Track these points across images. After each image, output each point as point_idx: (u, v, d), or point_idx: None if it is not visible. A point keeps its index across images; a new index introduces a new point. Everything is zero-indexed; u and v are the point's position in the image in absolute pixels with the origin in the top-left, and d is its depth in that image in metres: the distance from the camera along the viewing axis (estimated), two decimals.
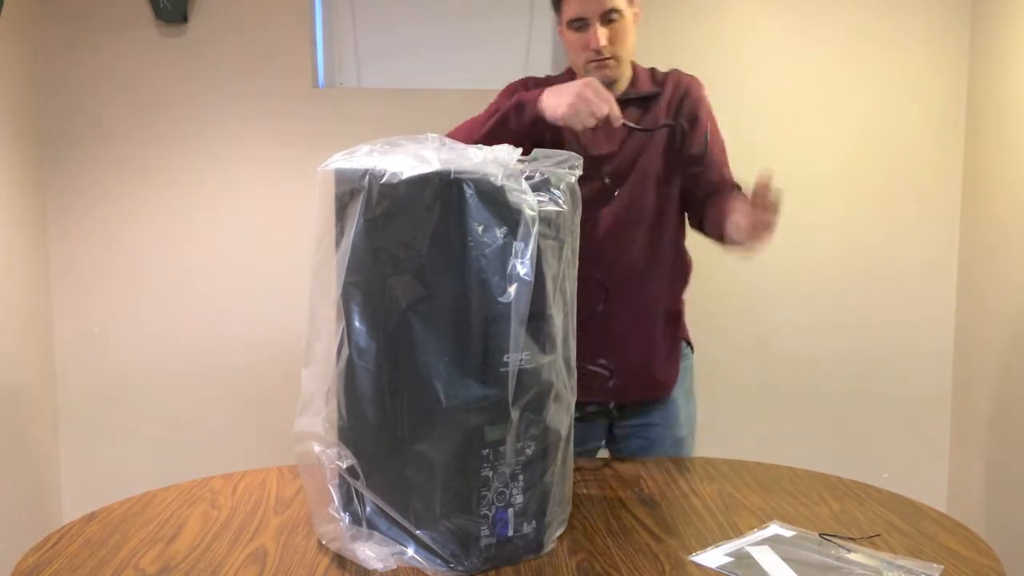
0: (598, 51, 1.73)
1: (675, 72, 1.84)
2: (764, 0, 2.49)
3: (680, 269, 1.88)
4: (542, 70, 2.34)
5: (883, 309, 2.59)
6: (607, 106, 1.60)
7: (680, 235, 1.86)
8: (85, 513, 1.46)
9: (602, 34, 1.72)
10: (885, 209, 2.57)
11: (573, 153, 1.34)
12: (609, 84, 1.75)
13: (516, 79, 1.88)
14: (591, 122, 1.60)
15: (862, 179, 2.55)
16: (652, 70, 1.85)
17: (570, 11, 1.73)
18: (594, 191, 1.73)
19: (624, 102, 1.75)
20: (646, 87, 1.80)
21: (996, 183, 2.40)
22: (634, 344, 1.81)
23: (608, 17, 1.72)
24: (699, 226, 1.85)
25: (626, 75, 1.80)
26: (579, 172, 1.34)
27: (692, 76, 1.85)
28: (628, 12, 1.74)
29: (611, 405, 1.84)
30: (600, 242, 1.73)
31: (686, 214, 1.86)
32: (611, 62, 1.75)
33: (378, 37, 2.55)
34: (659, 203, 1.80)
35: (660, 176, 1.79)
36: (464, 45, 2.56)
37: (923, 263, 2.58)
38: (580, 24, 1.73)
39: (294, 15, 2.45)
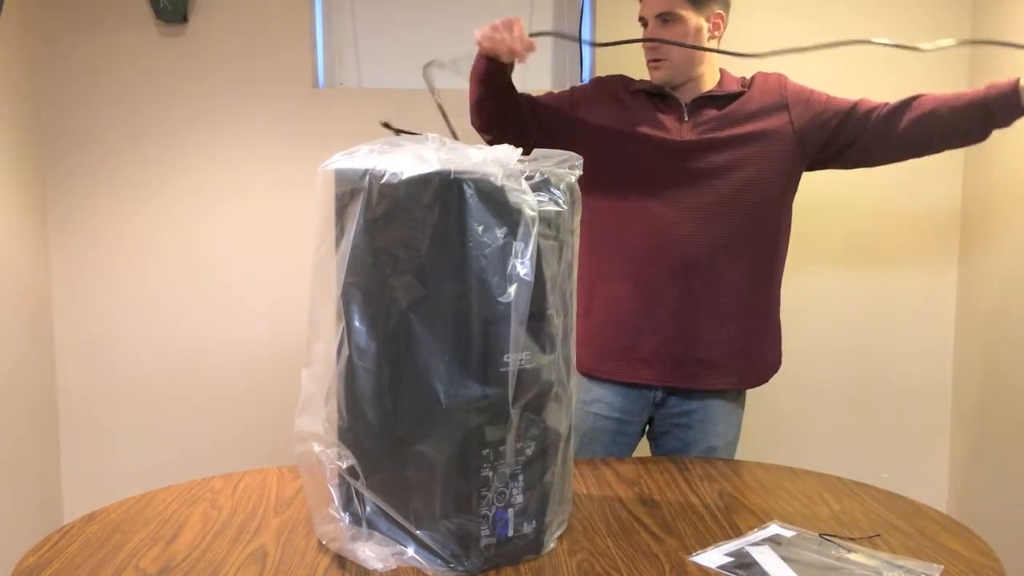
0: (651, 50, 1.85)
1: (759, 73, 1.93)
2: (763, 0, 2.49)
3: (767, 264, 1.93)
4: (541, 70, 2.35)
5: (883, 309, 2.59)
6: (517, 43, 1.69)
7: (764, 228, 1.89)
8: (85, 513, 1.46)
9: (652, 34, 1.84)
10: (884, 209, 2.57)
11: (573, 153, 1.35)
12: (674, 87, 1.87)
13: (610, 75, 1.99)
14: (508, 54, 1.71)
15: (861, 178, 2.54)
16: (743, 78, 1.93)
17: (639, 11, 1.87)
18: (669, 173, 1.83)
19: (703, 100, 1.86)
20: (732, 88, 1.88)
21: (996, 183, 2.40)
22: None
23: (663, 19, 1.83)
24: (903, 149, 1.85)
25: (707, 78, 1.89)
26: (579, 172, 1.34)
27: (776, 73, 1.94)
28: (692, 19, 1.83)
29: (656, 395, 1.89)
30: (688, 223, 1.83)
31: (875, 154, 1.88)
32: (664, 63, 1.84)
33: (378, 37, 2.55)
34: (757, 194, 1.85)
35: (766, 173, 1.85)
36: (464, 45, 2.55)
37: (923, 263, 2.58)
38: (643, 24, 1.87)
39: (294, 15, 2.45)
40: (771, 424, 2.59)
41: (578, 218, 1.36)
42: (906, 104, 1.81)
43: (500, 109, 1.84)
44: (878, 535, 1.37)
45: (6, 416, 2.26)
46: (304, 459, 1.33)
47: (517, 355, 1.20)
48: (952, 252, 2.57)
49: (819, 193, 2.54)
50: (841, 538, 1.34)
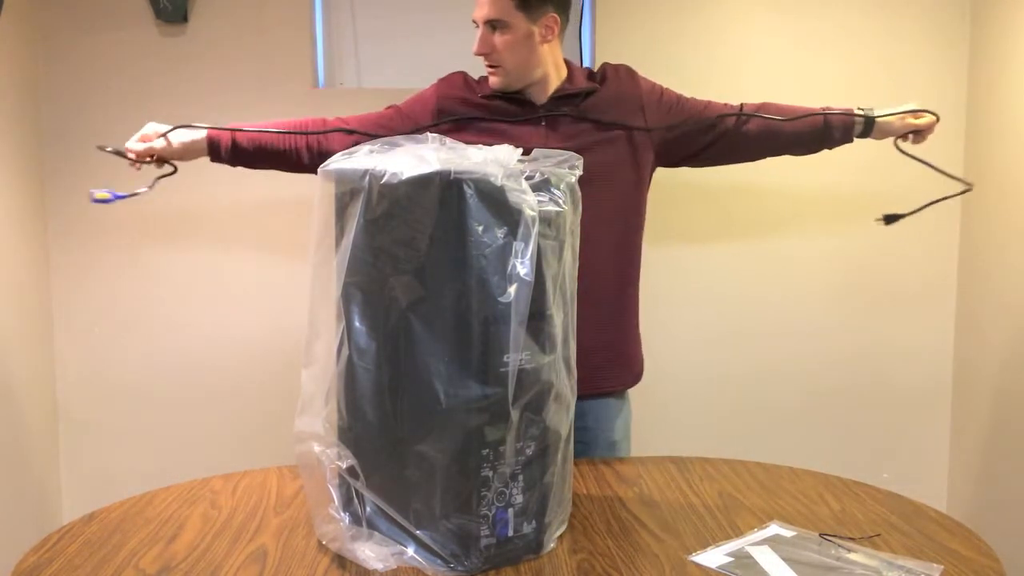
0: (478, 55, 1.82)
1: (607, 65, 1.91)
2: (762, 1, 2.49)
3: (627, 264, 1.91)
4: None
5: (883, 309, 2.59)
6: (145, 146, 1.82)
7: (629, 228, 1.89)
8: (85, 513, 1.46)
9: (482, 40, 1.80)
10: (884, 209, 2.56)
11: (573, 153, 1.35)
12: (518, 91, 1.84)
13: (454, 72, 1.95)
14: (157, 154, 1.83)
15: (861, 178, 2.55)
16: (589, 69, 1.91)
17: (473, 13, 1.82)
18: None
19: (557, 100, 1.83)
20: (584, 85, 1.86)
21: (996, 183, 2.40)
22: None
23: (492, 25, 1.79)
24: (761, 151, 1.94)
25: (554, 77, 1.85)
26: (579, 172, 1.34)
27: (624, 66, 1.91)
28: (522, 26, 1.78)
29: None
30: None
31: (731, 156, 1.94)
32: (499, 70, 1.82)
33: (378, 37, 2.55)
34: (616, 200, 1.84)
35: (619, 173, 1.84)
36: (464, 45, 2.55)
37: (923, 263, 2.58)
38: (476, 26, 1.82)
39: (294, 15, 2.45)
40: (771, 424, 2.59)
41: (578, 218, 1.36)
42: (755, 113, 1.88)
43: (278, 167, 1.91)
44: (878, 535, 1.37)
45: (6, 416, 2.26)
46: (304, 459, 1.33)
47: (517, 355, 1.20)
48: (952, 252, 2.58)
49: (817, 193, 2.55)
50: (841, 538, 1.34)
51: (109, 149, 1.82)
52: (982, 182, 2.47)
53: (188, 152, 1.85)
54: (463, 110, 1.86)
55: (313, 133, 1.86)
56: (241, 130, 1.85)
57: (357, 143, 1.83)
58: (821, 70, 2.51)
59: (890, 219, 1.95)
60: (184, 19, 2.41)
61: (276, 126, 1.87)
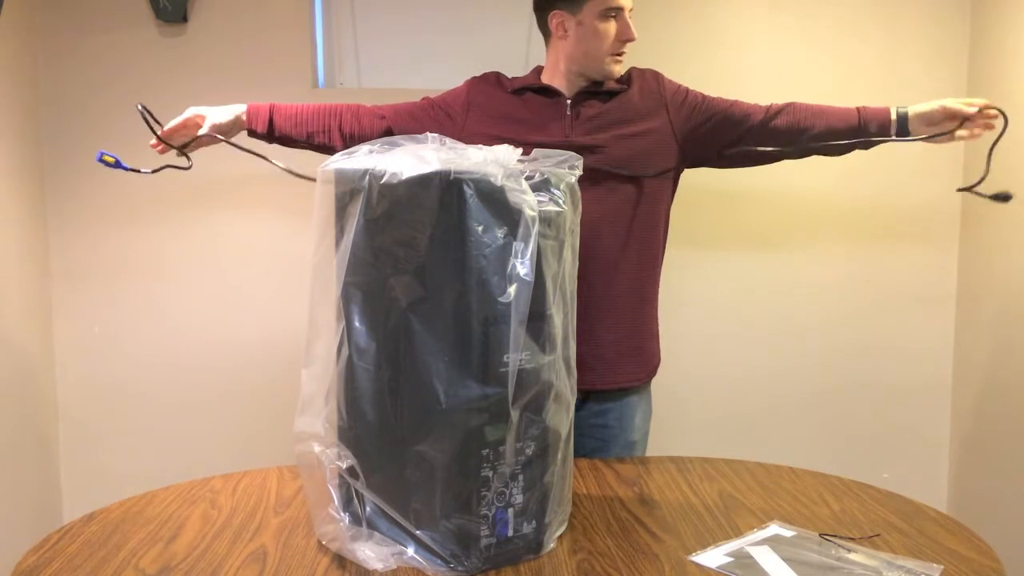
0: (627, 41, 1.83)
1: (634, 69, 1.93)
2: (762, 1, 2.49)
3: (649, 256, 1.92)
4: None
5: (883, 308, 2.59)
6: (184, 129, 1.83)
7: (652, 224, 1.90)
8: (85, 513, 1.46)
9: (629, 24, 1.82)
10: (884, 209, 2.57)
11: (572, 153, 1.35)
12: (610, 79, 1.87)
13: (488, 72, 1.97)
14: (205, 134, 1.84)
15: (861, 178, 2.55)
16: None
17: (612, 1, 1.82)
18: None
19: (585, 95, 1.86)
20: (611, 85, 1.89)
21: (996, 183, 2.39)
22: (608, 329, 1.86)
23: (630, 11, 1.83)
24: (789, 151, 1.90)
25: None
26: (579, 172, 1.34)
27: (650, 69, 1.94)
28: None
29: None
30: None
31: (760, 153, 1.92)
32: (625, 56, 1.85)
33: (378, 38, 2.55)
34: (634, 194, 1.85)
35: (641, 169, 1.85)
36: (464, 46, 2.56)
37: (923, 263, 2.58)
38: (615, 13, 1.81)
39: (294, 15, 2.45)
40: (771, 423, 2.59)
41: (578, 218, 1.36)
42: (781, 112, 1.87)
43: (311, 148, 1.96)
44: (878, 535, 1.37)
45: (6, 416, 2.26)
46: (304, 459, 1.33)
47: (517, 355, 1.21)
48: (952, 251, 2.58)
49: (820, 195, 2.55)
50: (841, 538, 1.35)
51: (139, 108, 1.82)
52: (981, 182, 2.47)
53: (232, 129, 1.88)
54: (491, 103, 1.89)
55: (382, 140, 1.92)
56: (272, 126, 1.90)
57: (389, 131, 1.89)
58: (821, 70, 2.51)
59: (1001, 197, 1.88)
60: (184, 19, 2.41)
61: (311, 110, 1.91)
